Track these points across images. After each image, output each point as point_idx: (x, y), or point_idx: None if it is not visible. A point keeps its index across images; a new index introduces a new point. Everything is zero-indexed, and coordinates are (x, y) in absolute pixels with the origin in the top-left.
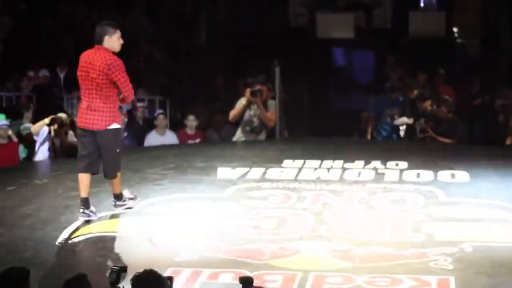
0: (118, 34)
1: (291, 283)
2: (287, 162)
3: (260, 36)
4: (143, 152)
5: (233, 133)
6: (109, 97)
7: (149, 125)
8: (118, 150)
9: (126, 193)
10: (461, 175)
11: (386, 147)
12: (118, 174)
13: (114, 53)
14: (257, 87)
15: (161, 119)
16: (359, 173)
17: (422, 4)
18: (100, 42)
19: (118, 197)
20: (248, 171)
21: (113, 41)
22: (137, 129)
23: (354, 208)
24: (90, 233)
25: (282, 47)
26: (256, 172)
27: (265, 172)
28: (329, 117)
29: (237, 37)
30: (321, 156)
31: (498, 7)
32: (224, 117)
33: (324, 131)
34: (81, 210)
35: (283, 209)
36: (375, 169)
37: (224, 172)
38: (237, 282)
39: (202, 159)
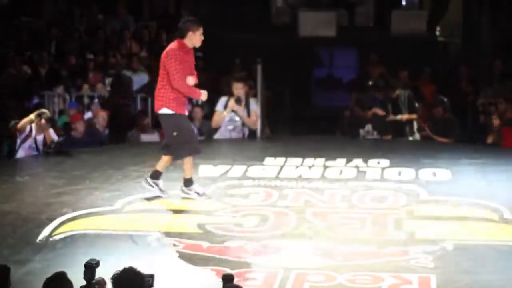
0: (200, 31)
1: (272, 280)
2: (268, 160)
3: (242, 33)
4: (125, 149)
5: (210, 130)
6: (164, 84)
7: (131, 122)
8: (174, 133)
9: (196, 186)
10: (443, 173)
11: (368, 145)
12: (186, 159)
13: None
14: (235, 84)
15: (142, 117)
16: (341, 171)
17: (404, 3)
18: (182, 36)
19: (186, 182)
20: (229, 169)
21: (196, 37)
22: (119, 126)
23: (335, 206)
24: (71, 231)
25: (264, 44)
26: (237, 170)
27: (246, 170)
28: (311, 115)
29: (220, 35)
30: (303, 154)
31: (479, 6)
32: (203, 111)
33: (306, 129)
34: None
35: (264, 207)
36: (357, 167)
37: (205, 169)
38: (219, 279)
39: None
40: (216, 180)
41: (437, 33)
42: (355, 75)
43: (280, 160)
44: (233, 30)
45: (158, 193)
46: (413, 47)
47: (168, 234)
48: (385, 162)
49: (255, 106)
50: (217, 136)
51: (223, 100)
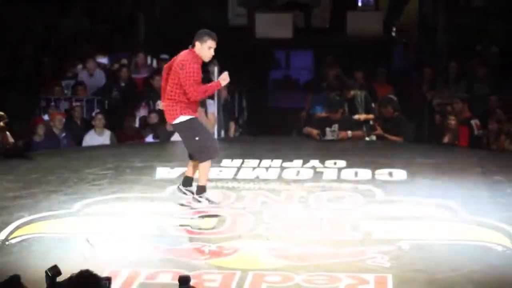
0: (209, 44)
1: (230, 282)
2: (225, 162)
3: None
4: (81, 152)
5: (167, 133)
6: (178, 93)
7: (87, 125)
8: (196, 138)
9: (209, 194)
10: (399, 174)
11: (325, 146)
12: (204, 164)
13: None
14: None
15: (99, 119)
16: (298, 172)
17: (360, 4)
18: (193, 45)
19: (198, 189)
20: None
21: (203, 49)
22: (75, 129)
23: (292, 207)
24: (28, 234)
25: (221, 46)
26: None
27: None
28: (268, 116)
29: (177, 35)
30: (260, 155)
31: (435, 7)
32: (158, 116)
33: (263, 130)
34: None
35: (222, 208)
36: (314, 168)
37: (163, 172)
38: (176, 282)
39: (141, 159)
40: (173, 182)
41: (393, 34)
42: (312, 77)
43: (237, 161)
44: (190, 32)
45: (190, 199)
46: (369, 48)
47: (126, 236)
48: (341, 162)
49: (213, 108)
50: (174, 138)
51: None
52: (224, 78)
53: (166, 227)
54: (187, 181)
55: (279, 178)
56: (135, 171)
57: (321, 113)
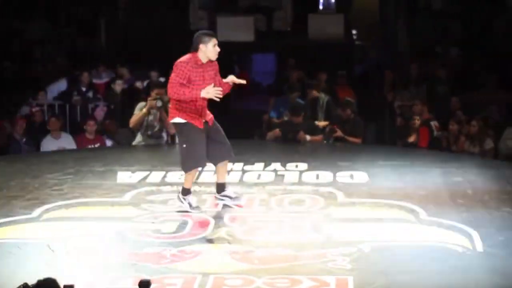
0: (213, 42)
1: (191, 285)
2: None
3: (160, 39)
4: (42, 157)
5: (128, 137)
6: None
7: (47, 130)
8: (184, 146)
9: (192, 199)
10: (360, 176)
11: (286, 149)
12: (188, 174)
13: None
14: (156, 91)
15: (52, 122)
16: (259, 175)
17: (321, 7)
18: (195, 49)
19: (183, 190)
20: (148, 175)
21: (208, 49)
22: (35, 134)
23: (254, 210)
24: None
25: (182, 50)
26: (156, 176)
27: (165, 176)
28: (230, 119)
29: (138, 40)
30: None
31: (396, 10)
32: (116, 121)
33: (225, 133)
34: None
35: (183, 212)
36: (275, 171)
37: (124, 176)
38: (137, 287)
39: (102, 163)
40: (134, 187)
41: (354, 36)
42: (274, 80)
43: None
44: (151, 36)
45: (230, 203)
46: (331, 51)
47: (86, 242)
48: (303, 165)
49: None
50: (135, 142)
51: (141, 104)
52: (208, 92)
53: (126, 231)
54: (219, 188)
55: (241, 182)
56: (96, 175)
57: (277, 118)
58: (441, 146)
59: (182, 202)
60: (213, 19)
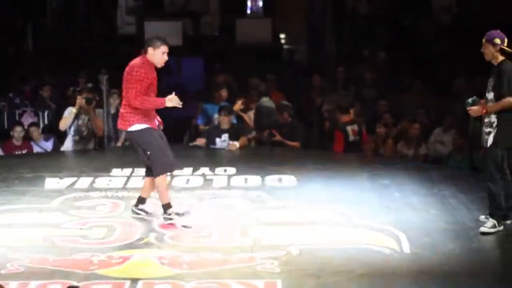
0: (162, 49)
1: None
2: (115, 171)
3: (88, 44)
4: None
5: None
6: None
7: None
8: (148, 152)
9: (175, 208)
10: (288, 179)
11: (215, 153)
12: (160, 179)
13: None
14: (84, 95)
15: None
16: (188, 180)
17: (248, 11)
18: (145, 51)
19: (164, 208)
20: (76, 181)
21: (156, 55)
22: None
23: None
24: None
25: (110, 55)
26: (84, 181)
27: (93, 181)
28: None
29: (66, 45)
30: None
31: (323, 14)
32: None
33: None
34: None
35: (111, 218)
36: (204, 175)
37: (52, 182)
38: None
39: (30, 169)
40: (62, 192)
41: (282, 41)
42: (203, 84)
43: (127, 170)
44: (78, 41)
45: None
46: (259, 55)
47: (13, 248)
48: (231, 169)
49: (101, 116)
50: (63, 148)
51: (70, 109)
52: (171, 99)
53: (54, 237)
54: (139, 201)
55: (169, 186)
56: (24, 182)
57: (203, 125)
58: (356, 151)
59: (171, 219)
60: (140, 23)
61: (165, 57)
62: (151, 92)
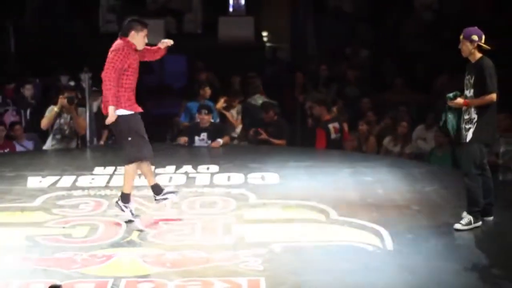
0: (144, 32)
1: None
2: (98, 169)
3: (70, 42)
4: None
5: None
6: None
7: None
8: (129, 138)
9: (133, 206)
10: (271, 177)
11: (198, 151)
12: (129, 168)
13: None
14: (66, 94)
15: None
16: (170, 178)
17: (231, 9)
18: (125, 34)
19: (122, 197)
20: (58, 179)
21: (139, 38)
22: None
23: (165, 213)
24: None
25: (92, 53)
26: (67, 180)
27: (76, 180)
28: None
29: (47, 44)
30: None
31: (305, 13)
32: (22, 128)
33: None
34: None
35: (94, 216)
36: (186, 173)
37: (34, 181)
38: None
39: (12, 168)
40: (45, 191)
41: (265, 39)
42: (185, 82)
43: (110, 169)
44: (60, 40)
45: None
46: (241, 53)
47: None
48: (214, 167)
49: (84, 115)
50: (45, 146)
51: (51, 107)
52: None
53: (36, 237)
54: (156, 190)
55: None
56: (6, 180)
57: (185, 122)
58: (338, 148)
59: (123, 210)
60: (122, 22)
61: (146, 40)
62: (131, 74)
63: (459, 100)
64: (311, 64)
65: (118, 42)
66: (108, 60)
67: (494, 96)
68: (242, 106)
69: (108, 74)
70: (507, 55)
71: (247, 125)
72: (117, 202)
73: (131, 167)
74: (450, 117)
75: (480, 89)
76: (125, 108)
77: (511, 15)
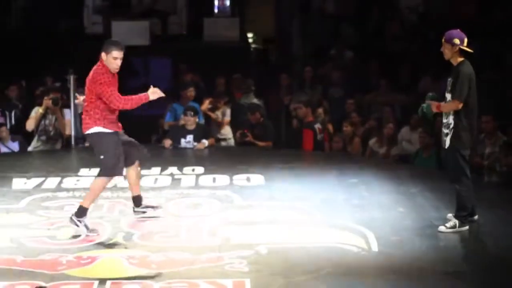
0: (114, 54)
1: None
2: (83, 171)
3: (54, 44)
4: None
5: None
6: (93, 107)
7: None
8: (101, 157)
9: (87, 221)
10: (256, 178)
11: (184, 153)
12: (98, 181)
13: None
14: (51, 95)
15: None
16: (156, 180)
17: (216, 11)
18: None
19: (79, 211)
20: (43, 181)
21: (108, 60)
22: None
23: (151, 215)
24: None
25: (77, 55)
26: (52, 181)
27: (61, 181)
28: (127, 124)
29: (32, 46)
30: None
31: (291, 14)
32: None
33: None
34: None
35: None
36: (172, 175)
37: (19, 182)
38: None
39: None
40: (30, 193)
41: (250, 40)
42: (170, 84)
43: (95, 170)
44: (45, 41)
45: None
46: (227, 55)
47: None
48: (200, 169)
49: (69, 116)
50: (30, 147)
51: (37, 109)
52: (153, 92)
53: (21, 238)
54: (136, 201)
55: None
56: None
57: (171, 121)
58: (323, 149)
59: (77, 225)
60: (108, 23)
61: (118, 63)
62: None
63: (433, 104)
64: (296, 65)
65: (96, 67)
66: (99, 88)
67: (458, 104)
68: (234, 105)
69: (116, 102)
70: (492, 56)
71: (238, 124)
72: (71, 217)
73: (100, 180)
74: (427, 104)
75: (453, 94)
76: (97, 126)
77: (496, 16)
